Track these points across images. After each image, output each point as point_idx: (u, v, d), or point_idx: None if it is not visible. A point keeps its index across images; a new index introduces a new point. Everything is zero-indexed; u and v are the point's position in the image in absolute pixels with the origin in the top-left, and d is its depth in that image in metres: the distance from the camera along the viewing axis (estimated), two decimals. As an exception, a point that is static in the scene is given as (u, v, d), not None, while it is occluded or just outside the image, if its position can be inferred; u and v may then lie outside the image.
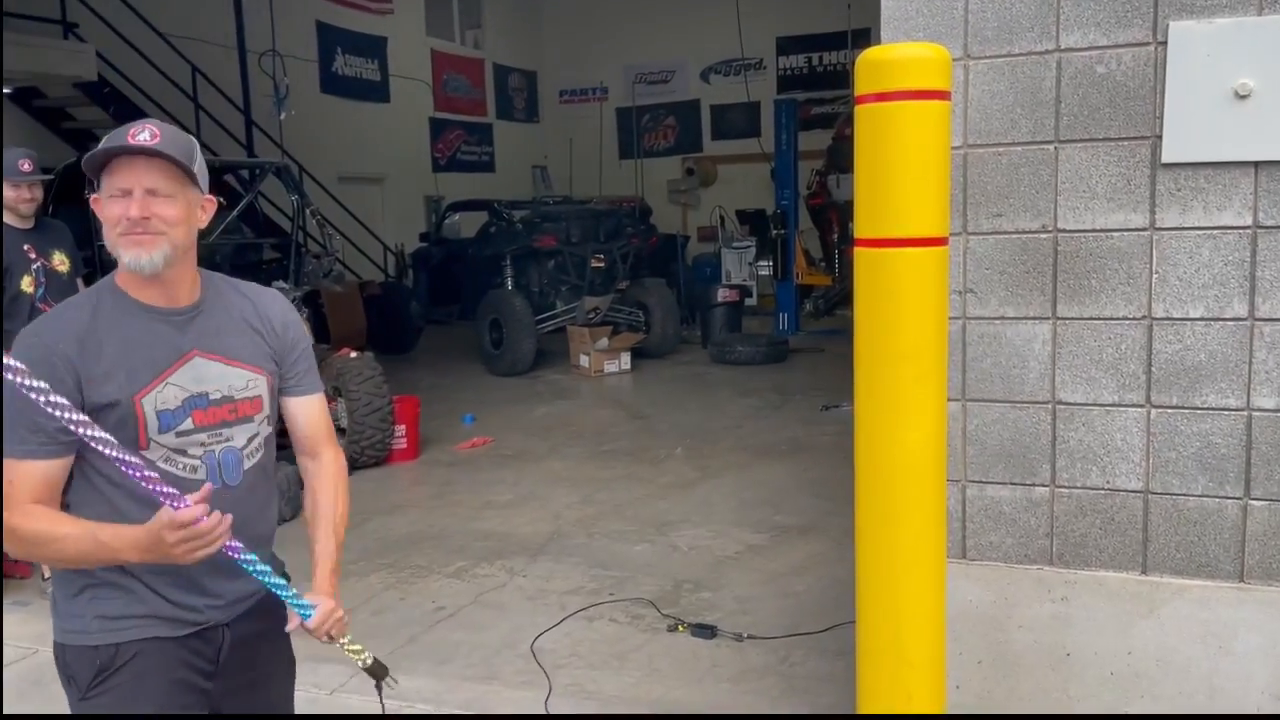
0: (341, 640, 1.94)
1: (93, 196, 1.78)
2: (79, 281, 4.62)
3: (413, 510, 5.68)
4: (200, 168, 1.80)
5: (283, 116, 11.69)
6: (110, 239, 1.73)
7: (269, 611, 1.91)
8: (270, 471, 1.96)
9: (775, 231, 12.11)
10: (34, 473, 1.70)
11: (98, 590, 1.80)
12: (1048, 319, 2.72)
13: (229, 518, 1.68)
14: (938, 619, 2.32)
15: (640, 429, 7.75)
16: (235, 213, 7.23)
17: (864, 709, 2.40)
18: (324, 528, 1.98)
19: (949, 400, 2.50)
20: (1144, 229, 2.62)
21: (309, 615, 1.86)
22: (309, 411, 2.00)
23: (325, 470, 2.03)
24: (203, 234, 1.87)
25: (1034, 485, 2.78)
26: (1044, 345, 2.73)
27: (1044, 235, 2.70)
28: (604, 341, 10.20)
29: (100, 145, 1.73)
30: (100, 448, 1.62)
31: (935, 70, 2.16)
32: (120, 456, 1.62)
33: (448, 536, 5.25)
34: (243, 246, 7.62)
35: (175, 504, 1.62)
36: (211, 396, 1.81)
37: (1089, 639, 2.75)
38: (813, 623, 3.90)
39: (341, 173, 13.71)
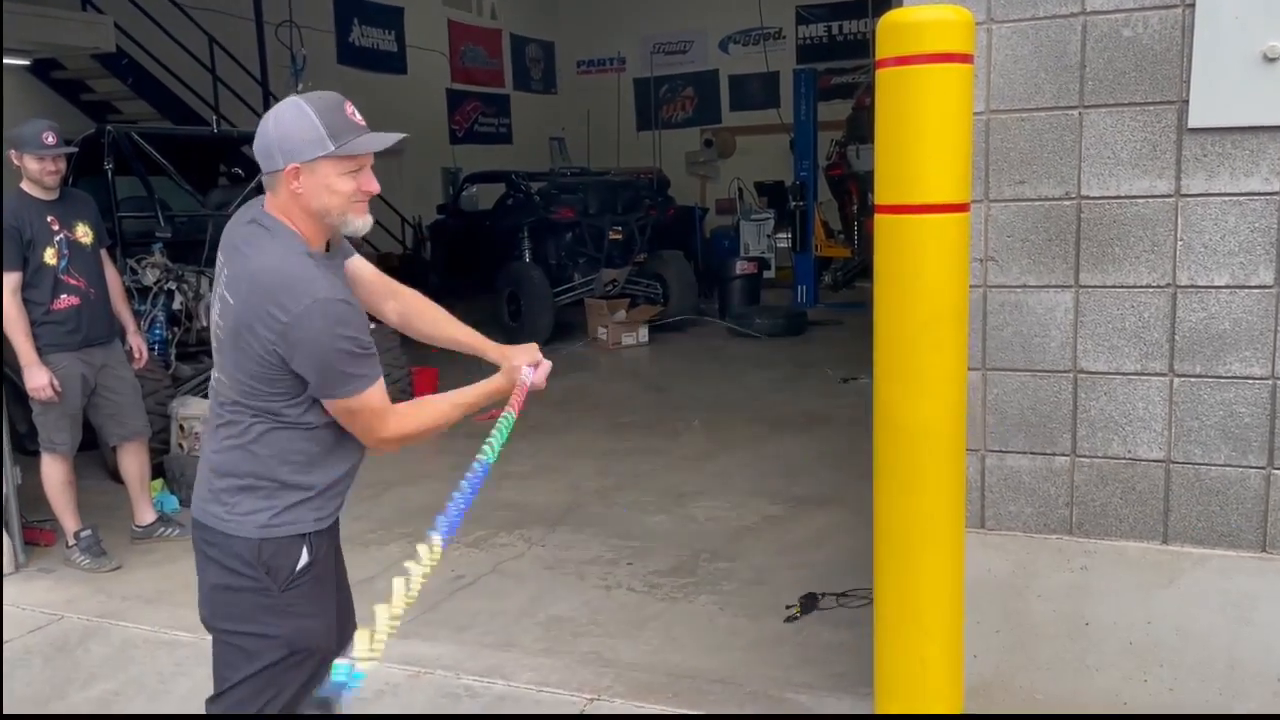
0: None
1: (296, 166, 1.94)
2: (102, 253, 4.63)
3: (432, 480, 5.69)
4: None
5: (300, 88, 11.64)
6: (341, 207, 1.98)
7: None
8: None
9: (794, 203, 12.03)
10: (381, 386, 2.02)
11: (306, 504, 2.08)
12: (1070, 287, 2.69)
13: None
14: (956, 588, 2.31)
15: (658, 401, 7.75)
16: (254, 184, 7.24)
17: (880, 676, 2.41)
18: (445, 324, 2.33)
19: (969, 369, 2.48)
20: (1169, 195, 2.59)
21: (528, 376, 2.22)
22: (364, 273, 2.28)
23: (411, 294, 2.33)
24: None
25: (1054, 455, 2.76)
26: (1066, 313, 2.70)
27: (1067, 202, 2.67)
28: (622, 314, 10.19)
29: (335, 128, 1.93)
30: None
31: (958, 33, 2.13)
32: None
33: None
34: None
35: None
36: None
37: (1108, 608, 2.74)
38: (831, 592, 3.91)
39: (359, 144, 13.69)
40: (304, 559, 2.05)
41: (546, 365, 2.27)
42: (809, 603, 3.82)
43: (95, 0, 9.87)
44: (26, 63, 9.67)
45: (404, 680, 3.38)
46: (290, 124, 1.93)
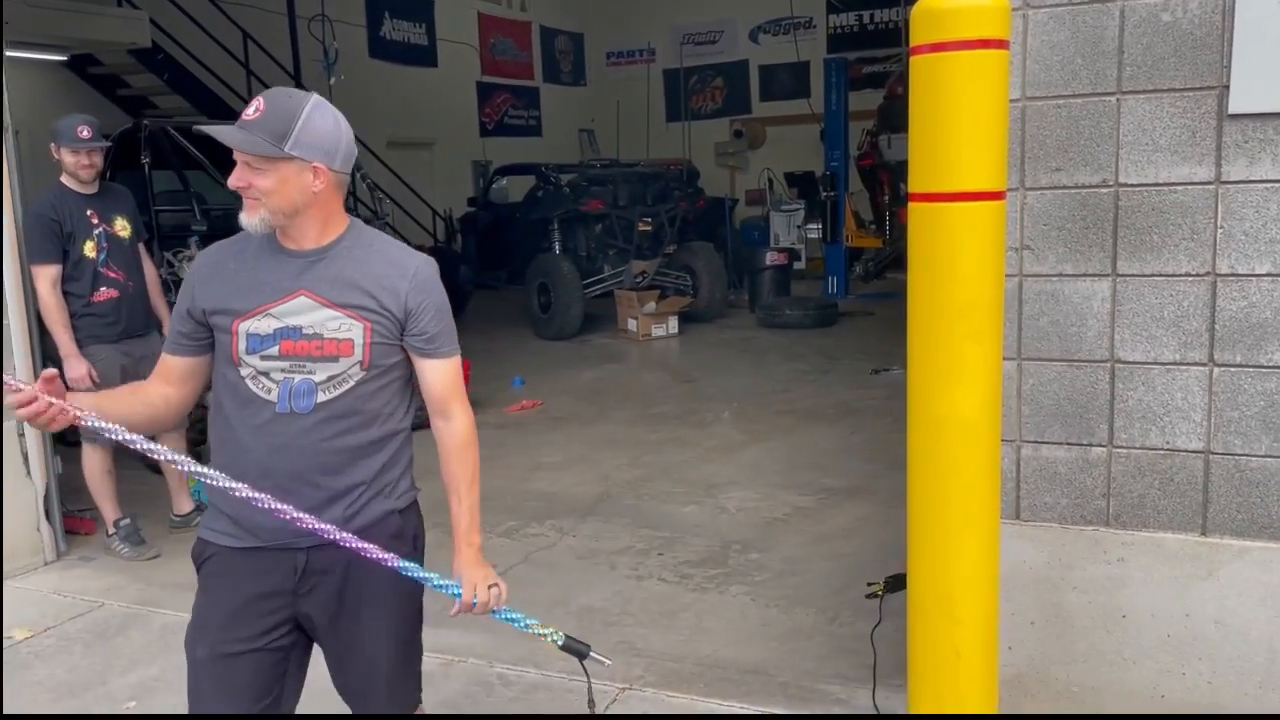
0: (528, 622, 2.09)
1: None
2: (140, 246, 4.69)
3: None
4: (297, 140, 1.93)
5: (332, 81, 11.72)
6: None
7: (355, 557, 2.02)
8: (361, 422, 2.04)
9: (825, 193, 11.96)
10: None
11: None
12: (1107, 276, 2.66)
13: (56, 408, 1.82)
14: (990, 579, 2.30)
15: (688, 392, 7.75)
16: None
17: (914, 667, 2.40)
18: (453, 494, 2.12)
19: (1004, 359, 2.46)
20: (1209, 182, 2.55)
21: (456, 594, 2.02)
22: (437, 373, 2.11)
23: (455, 434, 2.13)
24: None
25: (1091, 445, 2.73)
26: (1103, 303, 2.67)
27: (1104, 190, 2.64)
28: (651, 305, 10.19)
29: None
30: None
31: (993, 19, 2.11)
32: None
33: (498, 497, 5.30)
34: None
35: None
36: (304, 331, 1.97)
37: (1146, 601, 2.71)
38: (862, 584, 3.89)
39: (390, 137, 13.77)
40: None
41: (486, 587, 2.07)
42: (896, 582, 3.75)
43: (131, -4, 9.99)
44: (64, 58, 9.81)
45: (437, 668, 3.41)
46: None
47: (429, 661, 3.42)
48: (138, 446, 1.92)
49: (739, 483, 5.37)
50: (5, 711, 3.29)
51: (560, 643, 2.12)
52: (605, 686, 3.24)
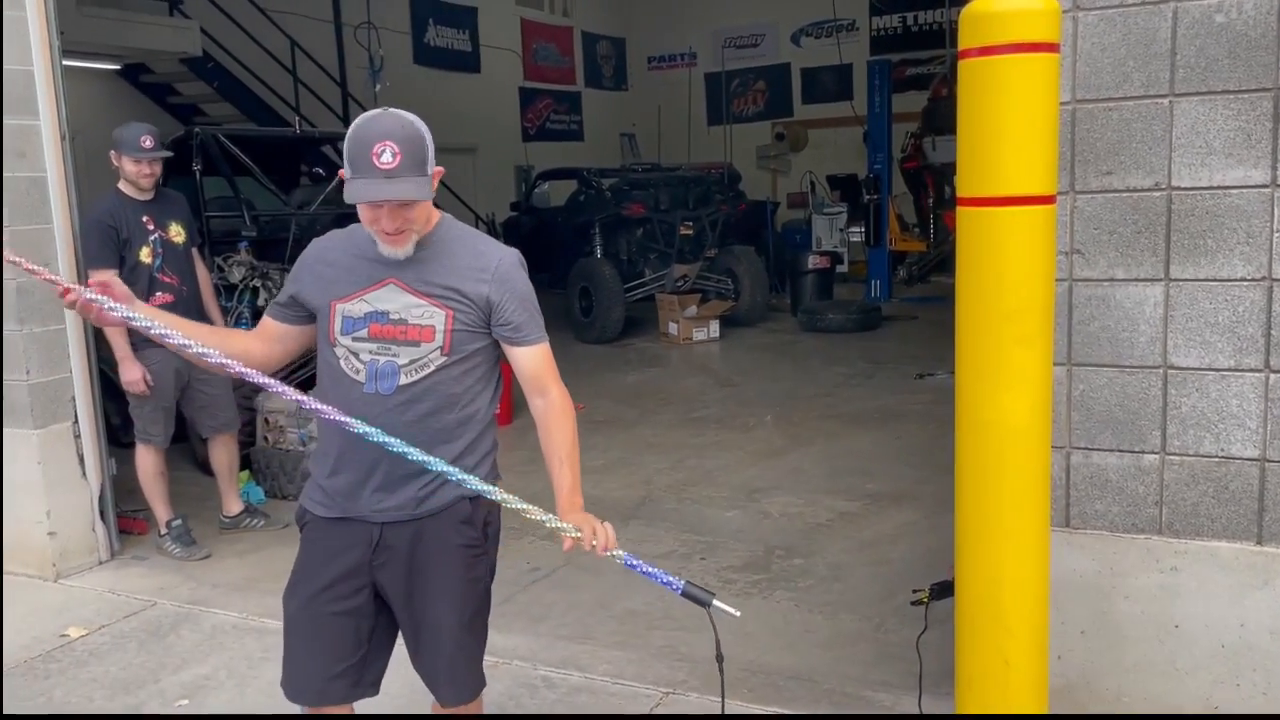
0: (646, 569, 2.15)
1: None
2: (193, 251, 4.78)
3: (506, 474, 5.69)
4: (430, 160, 2.07)
5: (377, 88, 11.88)
6: (368, 226, 2.10)
7: (426, 534, 2.19)
8: (441, 405, 2.15)
9: (868, 196, 11.88)
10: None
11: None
12: (1160, 280, 2.62)
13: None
14: (1040, 587, 2.28)
15: (729, 396, 7.74)
16: (334, 184, 7.40)
17: (962, 675, 2.38)
18: (554, 460, 2.24)
19: (1054, 364, 2.43)
20: (1265, 185, 2.50)
21: (572, 531, 2.12)
22: (528, 359, 2.22)
23: (551, 407, 2.26)
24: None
25: (1143, 452, 2.69)
26: (1156, 308, 2.63)
27: (1157, 193, 2.60)
28: (693, 309, 10.18)
29: (354, 163, 2.01)
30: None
31: (1043, 22, 2.09)
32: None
33: (540, 500, 5.26)
34: (341, 216, 7.80)
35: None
36: (391, 316, 2.10)
37: (1199, 611, 2.67)
38: (907, 591, 3.86)
39: (434, 143, 13.90)
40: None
41: (595, 525, 2.16)
42: (943, 590, 3.71)
43: (183, 6, 10.17)
44: (117, 67, 10.02)
45: (482, 670, 3.43)
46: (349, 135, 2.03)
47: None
48: (191, 351, 2.07)
49: (781, 487, 5.35)
50: (7, 712, 3.36)
51: (681, 589, 2.15)
52: (649, 692, 3.25)
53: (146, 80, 10.47)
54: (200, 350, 2.06)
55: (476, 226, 15.37)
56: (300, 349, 2.30)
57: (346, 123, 11.58)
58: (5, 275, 4.28)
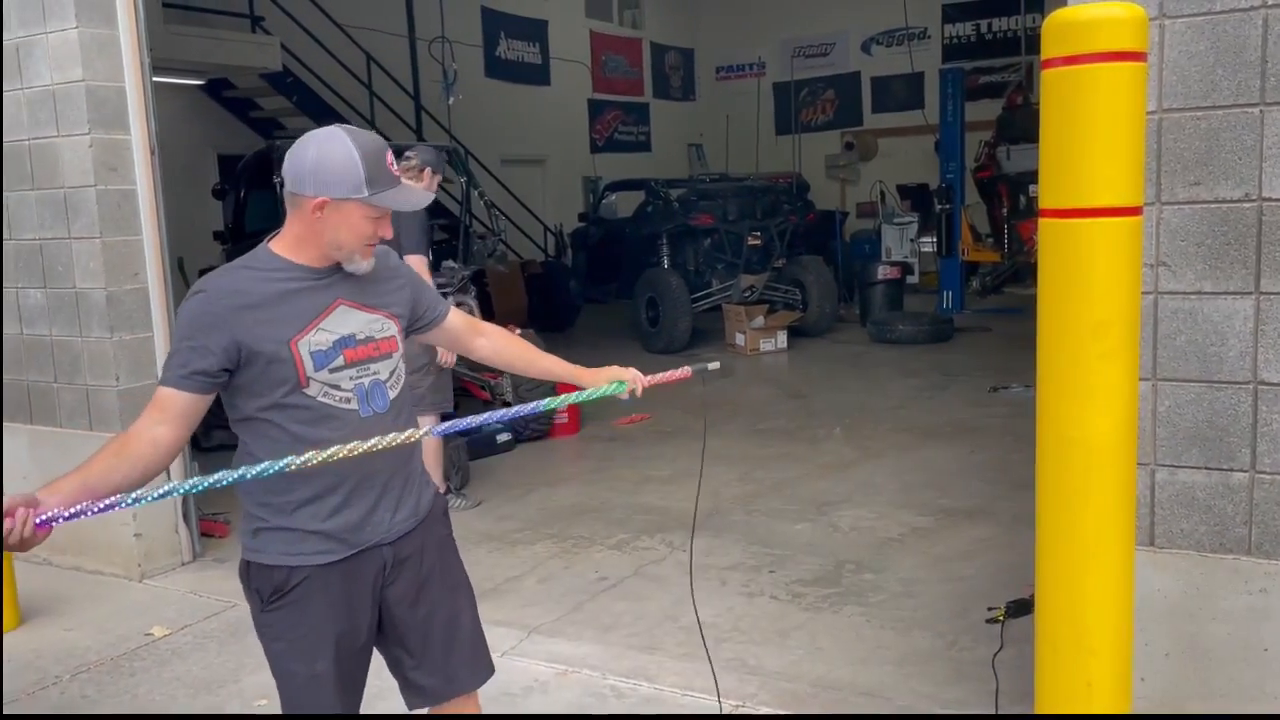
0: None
1: (325, 200, 1.97)
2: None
3: (574, 483, 5.81)
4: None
5: (450, 101, 12.07)
6: (353, 246, 2.03)
7: (427, 534, 2.23)
8: (411, 410, 2.24)
9: (940, 206, 11.73)
10: (161, 393, 1.99)
11: (270, 533, 2.11)
12: (1250, 294, 2.54)
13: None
14: (1124, 608, 2.22)
15: (798, 408, 7.68)
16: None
17: (1042, 697, 2.33)
18: (534, 359, 2.44)
19: (1139, 379, 2.37)
20: (1364, 196, 2.42)
21: (621, 387, 2.36)
22: (453, 320, 2.35)
23: (496, 331, 2.44)
24: None
25: (1231, 470, 2.61)
26: (1245, 321, 2.55)
27: (1247, 204, 2.52)
28: (760, 320, 10.14)
29: (374, 176, 1.99)
30: None
31: (1130, 30, 2.05)
32: None
33: (609, 509, 5.35)
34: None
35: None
36: (358, 338, 2.08)
37: (1292, 636, 2.57)
38: (982, 608, 3.80)
39: (504, 155, 14.08)
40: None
41: (631, 374, 2.40)
42: (1019, 608, 3.66)
43: (264, 22, 10.46)
44: (201, 82, 10.33)
45: (552, 678, 3.46)
46: (334, 159, 1.95)
47: (543, 670, 3.50)
48: (123, 508, 1.88)
49: (852, 501, 5.30)
50: (8, 712, 3.45)
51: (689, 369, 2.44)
52: (718, 704, 3.24)
53: (229, 95, 10.79)
54: (114, 500, 1.86)
55: (544, 237, 15.48)
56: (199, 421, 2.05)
57: (420, 136, 11.85)
58: (95, 285, 4.44)
